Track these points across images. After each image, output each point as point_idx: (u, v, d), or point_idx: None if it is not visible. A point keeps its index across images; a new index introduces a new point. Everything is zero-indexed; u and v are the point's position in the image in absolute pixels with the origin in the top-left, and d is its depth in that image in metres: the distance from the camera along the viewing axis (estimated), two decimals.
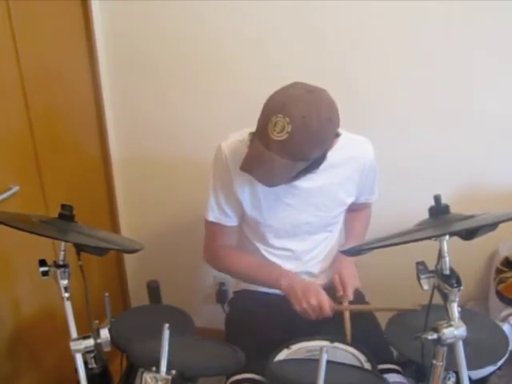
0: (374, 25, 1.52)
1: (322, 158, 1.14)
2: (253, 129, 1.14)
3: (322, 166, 1.24)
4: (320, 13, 1.54)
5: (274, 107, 1.07)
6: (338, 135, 1.14)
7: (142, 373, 0.92)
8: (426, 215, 0.92)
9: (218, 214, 1.32)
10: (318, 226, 1.35)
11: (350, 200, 1.35)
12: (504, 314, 1.48)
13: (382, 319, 1.29)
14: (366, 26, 1.53)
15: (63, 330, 0.99)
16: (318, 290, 1.23)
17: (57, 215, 1.05)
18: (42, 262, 1.02)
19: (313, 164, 1.11)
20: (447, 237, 0.85)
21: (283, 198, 1.28)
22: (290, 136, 1.03)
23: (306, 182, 1.26)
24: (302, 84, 1.10)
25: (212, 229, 1.36)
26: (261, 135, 1.08)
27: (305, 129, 1.04)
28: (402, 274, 1.41)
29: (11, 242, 1.40)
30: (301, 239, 1.36)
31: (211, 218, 1.33)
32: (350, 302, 1.26)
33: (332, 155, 1.25)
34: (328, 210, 1.33)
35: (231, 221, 1.34)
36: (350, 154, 1.29)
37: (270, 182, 1.11)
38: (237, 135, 1.26)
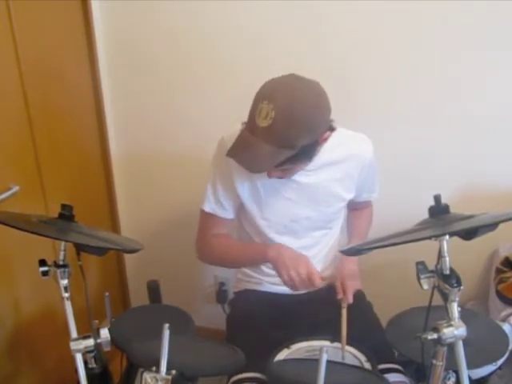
0: (373, 24, 1.52)
1: (312, 149, 1.12)
2: None
3: (321, 162, 1.24)
4: (320, 12, 1.54)
5: (261, 95, 1.07)
6: (332, 129, 1.13)
7: (142, 373, 0.91)
8: (425, 215, 0.92)
9: (215, 204, 1.32)
10: (318, 221, 1.35)
11: (349, 196, 1.35)
12: (504, 313, 1.48)
13: (383, 319, 1.30)
14: (366, 25, 1.53)
15: (63, 330, 0.99)
16: (308, 260, 1.20)
17: (57, 215, 1.05)
18: (42, 262, 1.02)
19: (302, 154, 1.08)
20: (447, 237, 0.85)
21: (283, 192, 1.29)
22: (274, 122, 1.02)
23: (305, 177, 1.26)
24: (296, 75, 1.10)
25: (206, 219, 1.36)
26: (248, 122, 1.08)
27: (288, 114, 1.02)
28: (401, 273, 1.41)
29: (11, 242, 1.40)
30: (300, 236, 1.36)
31: (207, 208, 1.33)
32: (350, 306, 1.25)
33: (332, 152, 1.25)
34: (328, 206, 1.33)
35: (227, 213, 1.34)
36: (349, 151, 1.29)
37: (254, 167, 1.08)
38: (240, 127, 1.26)
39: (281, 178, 1.20)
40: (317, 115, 1.07)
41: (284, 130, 1.03)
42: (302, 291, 1.21)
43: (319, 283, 1.17)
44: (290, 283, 1.18)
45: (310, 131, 1.06)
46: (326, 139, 1.14)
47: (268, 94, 1.05)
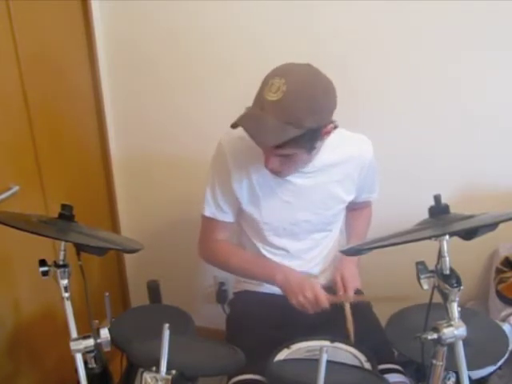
0: (373, 24, 1.53)
1: (315, 138, 1.11)
2: None
3: (321, 164, 1.25)
4: (320, 12, 1.54)
5: (273, 73, 1.08)
6: (335, 126, 1.13)
7: (142, 373, 0.91)
8: (425, 215, 0.92)
9: (214, 209, 1.32)
10: (317, 223, 1.35)
11: (349, 198, 1.35)
12: (504, 313, 1.48)
13: (383, 319, 1.29)
14: (366, 25, 1.53)
15: (63, 330, 0.99)
16: (312, 283, 1.23)
17: (57, 215, 1.05)
18: (42, 262, 1.02)
19: (306, 137, 1.08)
20: (447, 237, 0.85)
21: (281, 195, 1.28)
22: (284, 96, 1.02)
23: (304, 180, 1.26)
24: (309, 63, 1.11)
25: (207, 224, 1.36)
26: (257, 99, 1.08)
27: (299, 91, 1.03)
28: (401, 273, 1.41)
29: (11, 242, 1.40)
30: (300, 238, 1.36)
31: (207, 212, 1.33)
32: (350, 304, 1.26)
33: (331, 153, 1.25)
34: (327, 208, 1.33)
35: (227, 217, 1.34)
36: (349, 152, 1.29)
37: (260, 139, 1.08)
38: (238, 132, 1.26)
39: (278, 172, 1.20)
40: (325, 99, 1.08)
41: (293, 105, 1.03)
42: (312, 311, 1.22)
43: (326, 304, 1.20)
44: (301, 307, 1.21)
45: (317, 113, 1.06)
46: (328, 133, 1.14)
47: (280, 72, 1.06)
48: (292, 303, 1.23)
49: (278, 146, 1.08)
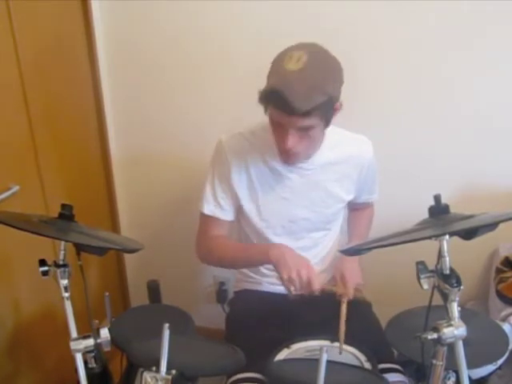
0: (373, 24, 1.53)
1: (332, 108, 1.14)
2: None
3: (320, 162, 1.25)
4: (320, 12, 1.54)
5: (286, 50, 1.11)
6: (341, 104, 1.16)
7: (142, 373, 0.91)
8: (425, 215, 0.92)
9: (214, 206, 1.32)
10: (316, 222, 1.35)
11: (348, 197, 1.35)
12: (504, 313, 1.48)
13: (383, 319, 1.29)
14: (366, 25, 1.53)
15: (63, 330, 0.99)
16: (309, 263, 1.18)
17: (57, 215, 1.05)
18: (42, 262, 1.02)
19: (327, 107, 1.10)
20: (447, 236, 0.85)
21: (279, 191, 1.29)
22: (306, 64, 1.05)
23: (303, 177, 1.26)
24: None
25: (206, 221, 1.35)
26: (275, 73, 1.10)
27: (319, 60, 1.08)
28: (401, 273, 1.41)
29: (11, 242, 1.40)
30: (300, 237, 1.36)
31: (206, 210, 1.33)
32: (350, 301, 1.25)
33: (331, 152, 1.26)
34: (326, 207, 1.33)
35: (226, 214, 1.34)
36: (349, 152, 1.29)
37: (290, 105, 1.05)
38: (239, 128, 1.27)
39: (295, 153, 1.17)
40: (339, 70, 1.13)
41: (316, 72, 1.07)
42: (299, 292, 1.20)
43: (317, 289, 1.14)
44: (289, 284, 1.15)
45: (336, 81, 1.11)
46: (337, 110, 1.16)
47: (295, 47, 1.11)
48: (282, 278, 1.15)
49: (305, 115, 1.08)
